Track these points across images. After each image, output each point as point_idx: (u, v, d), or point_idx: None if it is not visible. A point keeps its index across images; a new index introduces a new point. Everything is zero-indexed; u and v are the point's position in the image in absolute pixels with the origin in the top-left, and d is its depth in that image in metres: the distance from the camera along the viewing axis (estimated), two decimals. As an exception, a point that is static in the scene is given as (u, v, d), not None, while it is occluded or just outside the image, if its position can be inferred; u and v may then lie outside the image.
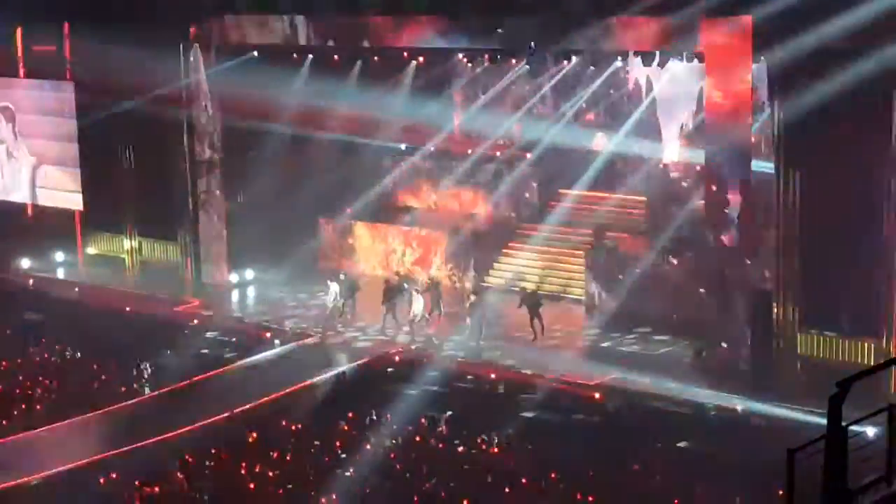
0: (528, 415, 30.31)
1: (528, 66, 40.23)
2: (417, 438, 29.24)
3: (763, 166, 32.69)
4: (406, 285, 37.15)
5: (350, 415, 30.52)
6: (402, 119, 43.14)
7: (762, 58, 31.18)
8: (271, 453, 28.42)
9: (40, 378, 33.53)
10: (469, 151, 44.31)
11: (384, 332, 35.96)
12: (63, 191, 45.54)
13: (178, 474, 27.32)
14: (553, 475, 26.68)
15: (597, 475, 26.69)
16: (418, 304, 35.60)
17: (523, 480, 26.54)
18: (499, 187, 43.08)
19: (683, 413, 29.45)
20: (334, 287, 37.11)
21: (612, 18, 33.18)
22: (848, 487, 11.12)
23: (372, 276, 40.88)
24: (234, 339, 36.29)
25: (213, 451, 28.49)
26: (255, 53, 40.32)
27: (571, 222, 40.81)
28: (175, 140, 41.79)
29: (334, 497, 25.97)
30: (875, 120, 29.21)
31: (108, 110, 42.03)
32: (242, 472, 27.60)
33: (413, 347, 34.68)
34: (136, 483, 26.89)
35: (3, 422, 30.70)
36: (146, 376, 33.56)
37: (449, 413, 30.31)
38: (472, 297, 35.84)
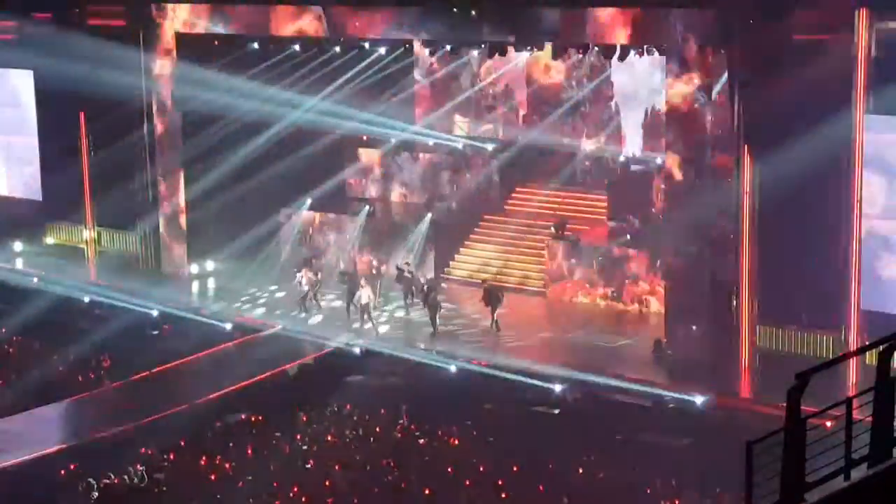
0: (489, 407, 30.32)
1: (489, 59, 40.28)
2: (378, 430, 29.23)
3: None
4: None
5: (310, 406, 30.49)
6: (364, 110, 42.97)
7: (723, 52, 31.32)
8: (231, 445, 28.35)
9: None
10: (431, 143, 44.26)
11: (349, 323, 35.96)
12: (22, 180, 45.31)
13: (138, 466, 27.22)
14: (514, 467, 26.75)
15: (557, 467, 26.77)
16: (365, 294, 35.46)
17: (483, 471, 26.60)
18: (460, 180, 43.08)
19: (643, 405, 29.54)
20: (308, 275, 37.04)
21: (573, 10, 33.23)
22: (806, 480, 11.19)
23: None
24: (193, 331, 36.08)
25: (172, 443, 28.39)
26: (216, 42, 40.19)
27: (532, 215, 40.84)
28: (134, 130, 41.56)
29: (295, 489, 25.94)
30: (834, 115, 29.35)
31: (67, 99, 41.80)
32: (202, 464, 27.54)
33: (372, 339, 34.56)
34: (95, 475, 26.78)
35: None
36: (105, 367, 33.38)
37: (405, 406, 30.30)
38: (428, 289, 35.87)
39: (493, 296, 35.12)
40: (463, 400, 30.65)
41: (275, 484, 26.34)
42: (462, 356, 32.81)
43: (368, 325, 35.13)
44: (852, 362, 26.53)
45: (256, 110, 40.72)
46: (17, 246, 44.99)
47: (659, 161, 38.02)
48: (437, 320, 34.87)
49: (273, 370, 32.74)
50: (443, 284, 37.10)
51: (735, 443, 12.05)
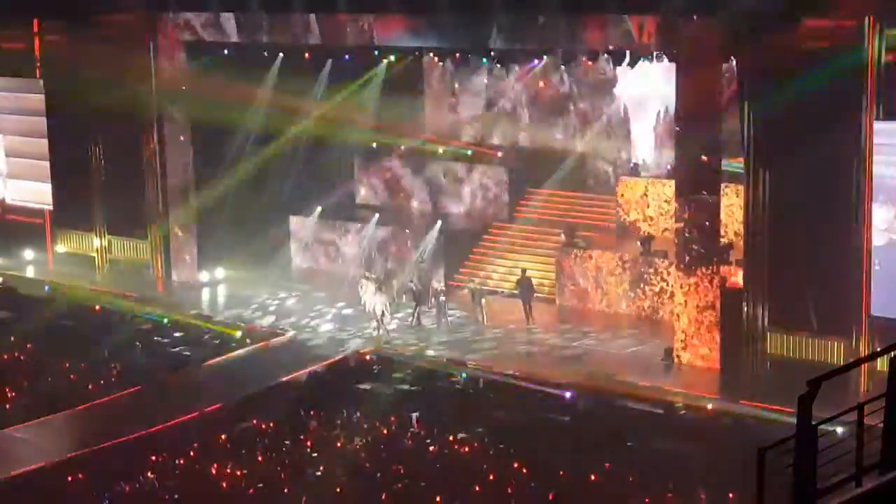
0: (500, 414, 30.30)
1: (499, 65, 40.35)
2: (388, 436, 29.22)
3: (733, 165, 32.97)
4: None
5: (321, 414, 30.49)
6: (373, 118, 43.05)
7: (732, 58, 31.33)
8: (242, 452, 28.36)
9: (9, 377, 33.35)
10: (440, 150, 44.29)
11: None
12: (33, 189, 45.40)
13: (148, 474, 27.23)
14: (525, 474, 26.71)
15: (568, 474, 26.73)
16: (380, 303, 35.55)
17: (494, 478, 26.57)
18: (469, 187, 43.10)
19: (654, 412, 29.51)
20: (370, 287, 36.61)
21: (583, 17, 33.25)
22: (817, 487, 11.17)
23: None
24: (203, 338, 36.12)
25: (183, 450, 28.40)
26: (226, 52, 40.28)
27: (542, 222, 40.88)
28: (145, 138, 41.68)
29: (305, 497, 25.93)
30: (844, 121, 29.34)
31: (77, 108, 41.88)
32: (213, 471, 27.54)
33: (384, 346, 34.63)
34: (106, 483, 26.79)
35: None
36: (115, 376, 33.41)
37: (417, 413, 30.27)
38: (441, 297, 36.06)
39: (526, 287, 35.77)
40: (474, 407, 30.65)
41: (285, 490, 26.34)
42: (473, 363, 32.84)
43: (381, 332, 35.20)
44: (863, 368, 26.48)
45: (266, 118, 40.81)
46: (28, 254, 45.10)
47: (668, 167, 38.06)
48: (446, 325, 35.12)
49: (283, 377, 32.78)
50: (465, 290, 37.45)
51: (746, 449, 12.04)
